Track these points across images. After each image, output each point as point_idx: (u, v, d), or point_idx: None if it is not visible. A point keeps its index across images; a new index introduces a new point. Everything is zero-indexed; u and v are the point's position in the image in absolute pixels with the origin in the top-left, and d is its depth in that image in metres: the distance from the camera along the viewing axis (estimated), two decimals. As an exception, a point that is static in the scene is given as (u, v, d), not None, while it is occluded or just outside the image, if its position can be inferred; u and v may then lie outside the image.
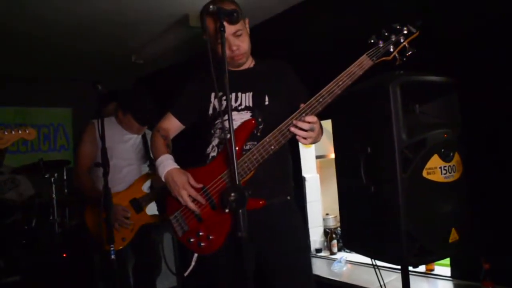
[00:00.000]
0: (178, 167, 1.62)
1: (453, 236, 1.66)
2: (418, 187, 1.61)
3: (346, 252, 3.34)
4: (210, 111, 1.71)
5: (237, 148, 1.51)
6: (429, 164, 1.63)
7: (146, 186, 2.64)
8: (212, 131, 1.71)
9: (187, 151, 2.14)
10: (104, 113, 2.24)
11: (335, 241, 3.44)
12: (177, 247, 3.67)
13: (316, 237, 3.60)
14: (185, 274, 1.68)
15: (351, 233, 1.95)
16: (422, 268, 2.68)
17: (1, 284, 3.36)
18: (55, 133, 5.62)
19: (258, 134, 1.62)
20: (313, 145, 3.53)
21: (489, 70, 2.23)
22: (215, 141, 1.70)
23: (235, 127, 1.57)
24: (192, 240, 1.62)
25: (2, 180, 3.74)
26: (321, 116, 1.51)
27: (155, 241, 2.76)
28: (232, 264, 1.57)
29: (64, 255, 3.61)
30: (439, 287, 2.50)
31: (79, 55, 4.47)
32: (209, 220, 1.60)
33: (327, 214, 3.68)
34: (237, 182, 1.29)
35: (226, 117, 1.38)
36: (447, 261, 2.51)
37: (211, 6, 1.37)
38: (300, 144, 2.38)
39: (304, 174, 3.59)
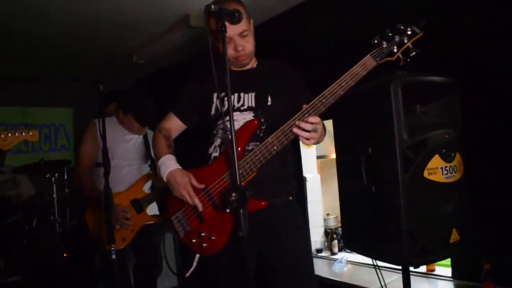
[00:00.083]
0: (180, 167, 1.61)
1: (454, 236, 1.66)
2: (419, 188, 1.61)
3: (347, 252, 3.33)
4: (213, 111, 1.70)
5: (239, 148, 1.51)
6: (430, 165, 1.62)
7: (147, 187, 2.64)
8: (215, 132, 1.70)
9: (189, 151, 2.14)
10: (105, 113, 2.24)
11: (336, 241, 3.44)
12: (178, 247, 3.67)
13: (317, 237, 3.59)
14: (187, 275, 1.67)
15: (352, 233, 1.95)
16: (423, 269, 2.68)
17: (1, 284, 3.36)
18: (56, 133, 5.62)
19: (261, 134, 1.62)
20: (314, 145, 3.53)
21: (489, 70, 2.23)
22: (217, 142, 1.69)
23: (237, 127, 1.57)
24: (194, 240, 1.62)
25: (3, 179, 3.75)
26: (323, 116, 1.50)
27: (156, 241, 2.76)
28: (234, 264, 1.56)
29: (65, 255, 3.60)
30: (440, 287, 2.50)
31: (79, 55, 4.47)
32: (211, 220, 1.59)
33: (328, 214, 3.68)
34: (239, 182, 1.29)
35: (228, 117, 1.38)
36: (448, 261, 2.51)
37: (212, 6, 1.36)
38: (301, 144, 2.38)
39: (305, 174, 3.58)
